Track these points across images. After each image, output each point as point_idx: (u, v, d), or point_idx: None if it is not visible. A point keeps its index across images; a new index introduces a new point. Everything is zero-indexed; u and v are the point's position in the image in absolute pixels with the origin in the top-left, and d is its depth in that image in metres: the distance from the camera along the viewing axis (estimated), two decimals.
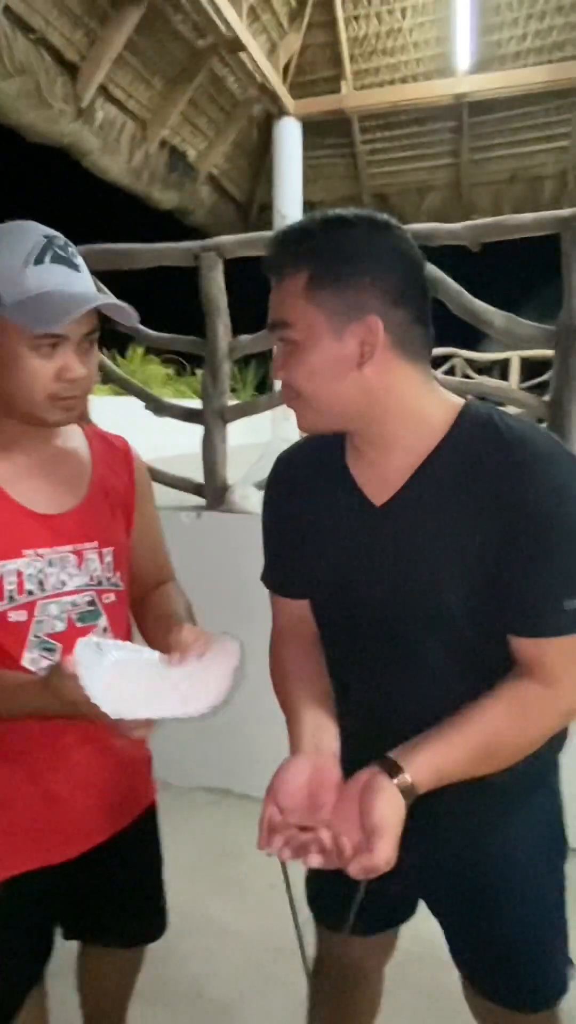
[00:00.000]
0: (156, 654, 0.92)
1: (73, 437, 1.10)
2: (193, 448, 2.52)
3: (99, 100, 6.09)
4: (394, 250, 0.83)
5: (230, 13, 5.68)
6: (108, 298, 0.93)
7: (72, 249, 0.95)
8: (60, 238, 0.94)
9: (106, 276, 2.48)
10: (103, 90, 6.08)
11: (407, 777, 0.78)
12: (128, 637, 1.11)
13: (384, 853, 0.74)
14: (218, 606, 1.87)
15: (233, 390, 2.38)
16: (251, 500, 2.44)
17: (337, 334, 0.81)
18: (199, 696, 0.87)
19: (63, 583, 1.00)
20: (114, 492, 1.10)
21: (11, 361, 0.92)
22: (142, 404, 2.64)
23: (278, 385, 1.12)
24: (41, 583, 0.98)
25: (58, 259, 0.91)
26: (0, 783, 1.00)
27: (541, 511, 0.79)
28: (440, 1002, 1.51)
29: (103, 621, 1.04)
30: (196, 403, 2.50)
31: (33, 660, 0.97)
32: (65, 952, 1.25)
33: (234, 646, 0.94)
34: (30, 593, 0.97)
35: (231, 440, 2.51)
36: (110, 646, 0.89)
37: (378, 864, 0.74)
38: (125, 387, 2.61)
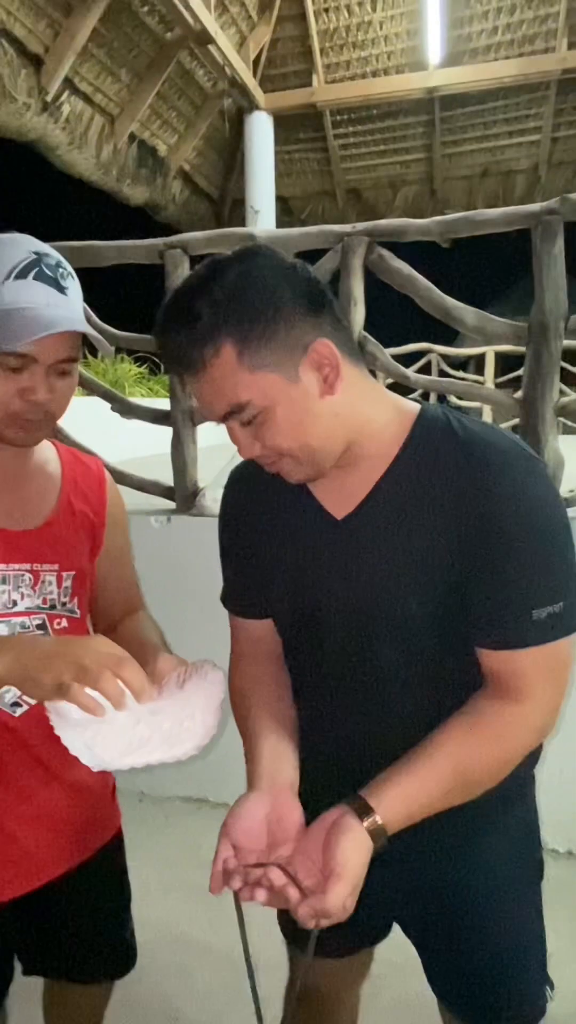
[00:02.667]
0: None
1: (45, 455, 1.06)
2: (165, 448, 2.47)
3: (65, 93, 5.98)
4: (281, 269, 0.77)
5: (197, 5, 5.60)
6: (78, 326, 0.87)
7: (63, 270, 0.90)
8: (52, 256, 0.90)
9: None
10: (69, 83, 5.98)
11: (377, 819, 0.74)
12: None
13: (338, 898, 0.70)
14: (188, 612, 1.82)
15: None
16: None
17: (293, 378, 0.76)
18: (184, 736, 0.81)
19: (14, 602, 0.96)
20: (82, 516, 1.06)
21: None
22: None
23: None
24: None
25: (43, 278, 0.87)
26: None
27: (503, 515, 0.76)
28: (418, 1011, 1.49)
29: None
30: (167, 403, 2.45)
31: None
32: (32, 978, 1.20)
33: (217, 675, 0.88)
34: None
35: (201, 440, 2.46)
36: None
37: (329, 908, 0.69)
38: (91, 388, 2.54)
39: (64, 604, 1.01)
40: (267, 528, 0.93)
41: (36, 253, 0.88)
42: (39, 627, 0.98)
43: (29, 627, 0.97)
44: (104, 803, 1.13)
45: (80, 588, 1.04)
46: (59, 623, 1.00)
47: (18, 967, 1.14)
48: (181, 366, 0.77)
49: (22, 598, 0.96)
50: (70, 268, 0.92)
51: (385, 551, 0.82)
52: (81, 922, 1.12)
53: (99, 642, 0.79)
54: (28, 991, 1.20)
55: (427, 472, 0.80)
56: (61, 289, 0.88)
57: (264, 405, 0.76)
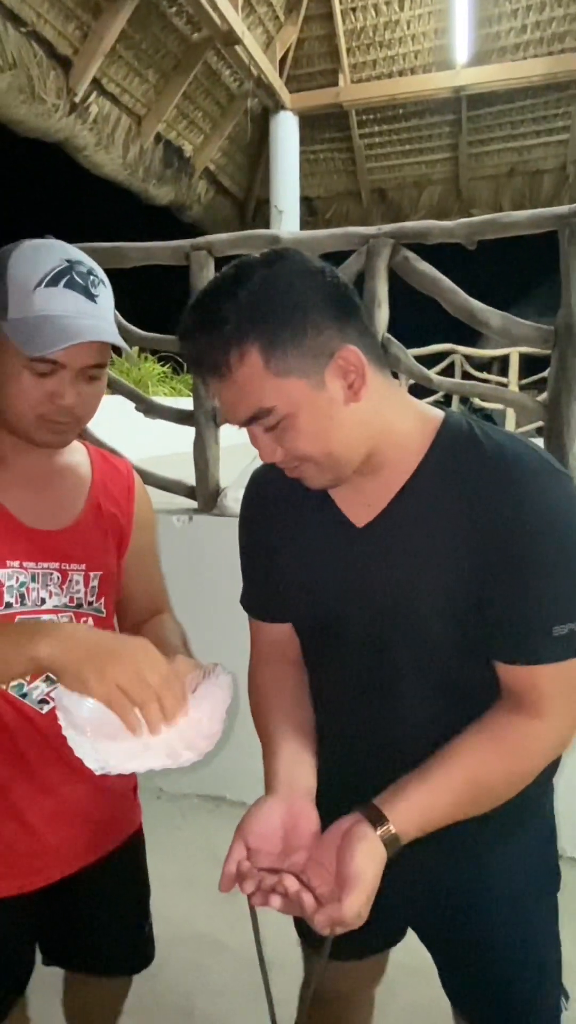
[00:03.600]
0: None
1: (75, 456, 1.08)
2: (188, 447, 2.49)
3: (93, 94, 6.03)
4: (309, 273, 0.76)
5: (225, 5, 5.61)
6: (105, 336, 0.89)
7: (95, 278, 0.91)
8: (84, 264, 0.91)
9: None
10: (96, 84, 6.03)
11: (391, 827, 0.74)
12: None
13: (355, 906, 0.70)
14: (209, 611, 1.84)
15: None
16: None
17: (318, 385, 0.76)
18: (190, 743, 0.81)
19: (43, 600, 0.98)
20: (110, 516, 1.08)
21: (7, 375, 0.90)
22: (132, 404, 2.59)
23: None
24: (22, 597, 0.96)
25: (73, 285, 0.88)
26: None
27: (527, 530, 0.75)
28: (432, 1015, 1.49)
29: None
30: (190, 402, 2.46)
31: None
32: (55, 970, 1.22)
33: (226, 680, 0.88)
34: (8, 606, 0.95)
35: (223, 439, 2.47)
36: None
37: (346, 917, 0.69)
38: (115, 387, 2.57)
39: (91, 603, 1.03)
40: (287, 533, 0.93)
41: (68, 260, 0.89)
42: None
43: None
44: (125, 800, 1.15)
45: (107, 588, 1.05)
46: (85, 621, 1.02)
47: (38, 957, 1.16)
48: (205, 369, 0.77)
49: (50, 596, 0.98)
50: (102, 275, 0.93)
51: (405, 560, 0.82)
52: (101, 916, 1.13)
53: (149, 654, 0.79)
54: (47, 982, 1.22)
55: (450, 482, 0.80)
56: (91, 297, 0.89)
57: (288, 411, 0.75)
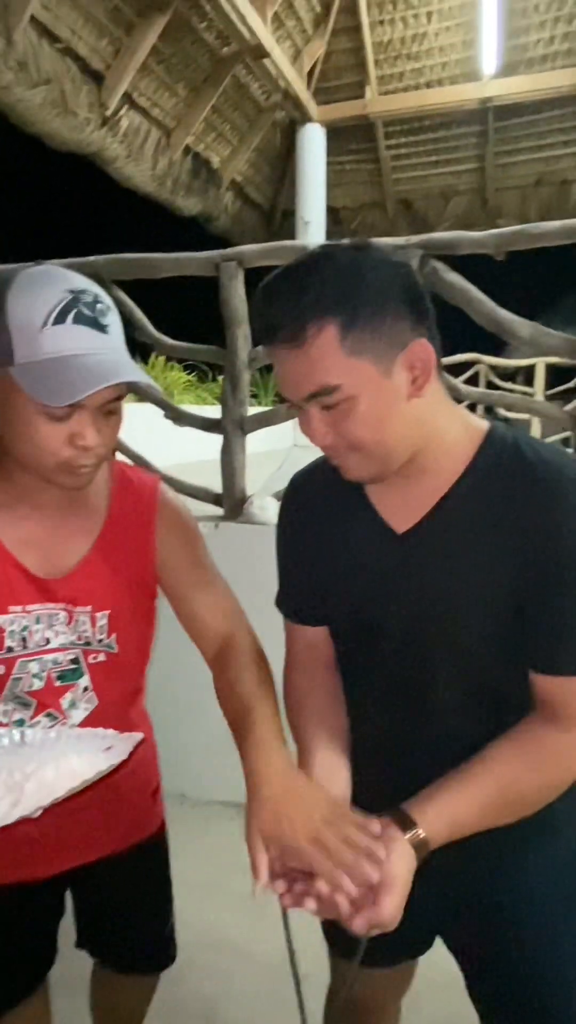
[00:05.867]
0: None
1: (95, 483, 1.00)
2: (213, 454, 2.51)
3: (124, 108, 6.13)
4: (393, 265, 0.78)
5: (254, 20, 5.68)
6: (126, 376, 0.82)
7: (102, 305, 0.84)
8: (89, 292, 0.83)
9: (127, 285, 2.49)
10: (128, 98, 6.12)
11: (420, 832, 0.75)
12: (126, 701, 1.08)
13: (390, 909, 0.71)
14: None
15: (254, 396, 2.45)
16: (269, 511, 2.42)
17: (386, 372, 0.76)
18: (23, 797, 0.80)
19: (47, 640, 0.95)
20: (124, 551, 1.01)
21: (20, 423, 0.83)
22: (161, 412, 2.62)
23: None
24: (24, 640, 0.94)
25: (82, 319, 0.81)
26: None
27: (568, 543, 0.76)
28: None
29: (84, 680, 0.99)
30: (217, 411, 2.49)
31: (5, 712, 0.95)
32: (83, 969, 1.25)
33: (106, 755, 0.85)
34: (10, 650, 0.93)
35: (249, 446, 2.49)
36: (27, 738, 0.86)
37: (383, 919, 0.71)
38: (145, 396, 2.60)
39: (100, 640, 0.99)
40: (326, 536, 0.93)
41: (71, 291, 0.82)
42: (72, 661, 0.98)
43: (62, 662, 0.97)
44: (143, 802, 1.15)
45: (119, 624, 1.00)
46: (95, 658, 0.99)
47: (69, 944, 1.18)
48: (279, 337, 0.76)
49: (56, 635, 0.96)
50: (108, 300, 0.87)
51: (445, 568, 0.83)
52: (118, 910, 1.16)
53: None
54: (76, 984, 1.24)
55: (493, 492, 0.80)
56: (102, 328, 0.83)
57: (352, 392, 0.75)
